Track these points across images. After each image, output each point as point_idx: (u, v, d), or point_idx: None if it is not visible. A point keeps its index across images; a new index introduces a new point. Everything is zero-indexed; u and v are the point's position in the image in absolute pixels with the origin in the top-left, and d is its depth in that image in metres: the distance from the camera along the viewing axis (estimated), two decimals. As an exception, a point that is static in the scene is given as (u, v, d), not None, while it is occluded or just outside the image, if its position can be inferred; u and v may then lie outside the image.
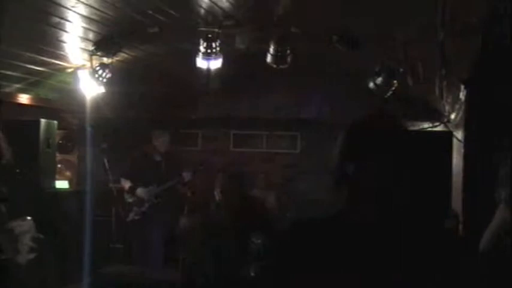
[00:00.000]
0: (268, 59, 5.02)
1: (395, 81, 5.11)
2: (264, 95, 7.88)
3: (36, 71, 5.32)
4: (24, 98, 5.79)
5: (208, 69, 5.32)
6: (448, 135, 4.18)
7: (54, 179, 5.99)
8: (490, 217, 2.64)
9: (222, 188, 5.69)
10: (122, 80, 5.95)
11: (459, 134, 4.33)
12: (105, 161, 6.17)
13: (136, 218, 6.03)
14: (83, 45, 5.12)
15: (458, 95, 4.06)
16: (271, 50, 4.93)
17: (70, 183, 6.72)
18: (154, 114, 7.67)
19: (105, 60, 5.40)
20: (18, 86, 5.50)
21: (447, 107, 5.25)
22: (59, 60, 5.32)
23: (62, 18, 4.35)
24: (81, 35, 4.87)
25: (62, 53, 5.15)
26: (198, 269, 4.73)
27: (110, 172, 6.20)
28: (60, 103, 6.27)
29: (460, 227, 3.63)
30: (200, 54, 4.97)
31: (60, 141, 6.48)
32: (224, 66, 5.29)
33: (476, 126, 3.54)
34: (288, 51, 4.92)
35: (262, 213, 4.98)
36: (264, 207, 5.04)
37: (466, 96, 3.60)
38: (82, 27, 4.67)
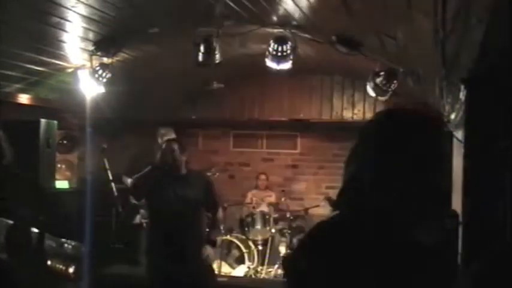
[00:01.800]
0: (268, 59, 5.02)
1: (395, 81, 5.11)
2: (264, 95, 7.89)
3: (36, 71, 5.32)
4: (24, 98, 5.79)
5: (208, 70, 5.31)
6: (448, 135, 4.18)
7: (54, 179, 5.98)
8: (490, 217, 2.63)
9: None
10: (122, 80, 5.95)
11: (459, 134, 4.33)
12: (105, 161, 6.16)
13: (144, 221, 5.97)
14: (83, 45, 5.11)
15: (458, 95, 4.06)
16: (271, 50, 4.92)
17: (70, 183, 6.71)
18: (154, 114, 7.68)
19: (105, 60, 5.40)
20: (18, 86, 5.50)
21: (447, 107, 5.24)
22: (59, 60, 5.31)
23: (62, 18, 4.35)
24: (81, 35, 4.87)
25: (62, 53, 5.15)
26: None
27: (110, 172, 6.20)
28: (60, 103, 6.27)
29: (460, 227, 3.63)
30: (200, 54, 4.97)
31: (60, 141, 6.47)
32: (224, 66, 5.29)
33: (476, 126, 3.54)
34: (288, 51, 4.91)
35: None
36: None
37: (466, 96, 3.60)
38: (82, 27, 4.67)
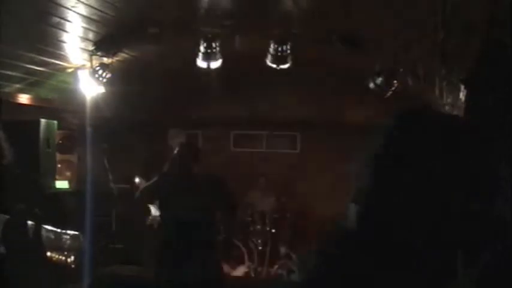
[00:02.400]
0: (268, 59, 5.02)
1: (395, 81, 5.11)
2: (264, 95, 7.89)
3: (36, 71, 5.32)
4: (24, 98, 5.79)
5: (208, 69, 5.32)
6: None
7: (54, 179, 5.98)
8: (490, 217, 2.63)
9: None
10: (122, 80, 5.95)
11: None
12: (105, 161, 6.17)
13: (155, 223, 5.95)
14: (83, 45, 5.12)
15: (458, 95, 4.06)
16: (271, 50, 4.93)
17: (70, 183, 6.71)
18: (154, 114, 7.68)
19: (105, 60, 5.41)
20: (18, 86, 5.50)
21: (447, 107, 5.25)
22: (59, 60, 5.31)
23: (62, 18, 4.35)
24: (81, 35, 4.87)
25: (62, 53, 5.15)
26: None
27: (110, 172, 6.21)
28: (60, 103, 6.27)
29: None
30: (200, 54, 4.97)
31: (60, 141, 6.47)
32: (224, 66, 5.29)
33: (476, 126, 3.54)
34: (288, 51, 4.92)
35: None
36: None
37: (466, 96, 3.60)
38: (82, 27, 4.67)
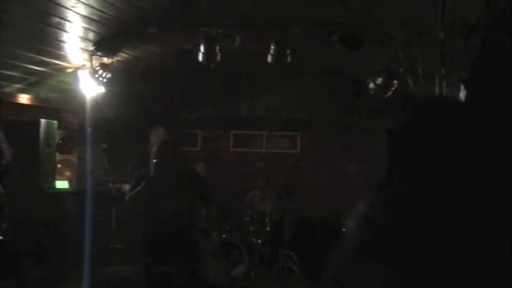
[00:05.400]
0: (268, 59, 5.02)
1: (395, 81, 5.11)
2: (264, 95, 7.89)
3: (36, 71, 5.32)
4: (24, 98, 5.79)
5: (208, 69, 5.32)
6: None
7: (54, 179, 5.98)
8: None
9: None
10: (122, 80, 5.95)
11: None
12: (105, 161, 6.17)
13: None
14: (83, 45, 5.12)
15: (458, 95, 4.06)
16: (271, 50, 4.92)
17: (70, 183, 6.71)
18: (154, 114, 7.68)
19: (105, 60, 5.41)
20: (18, 86, 5.50)
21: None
22: (59, 60, 5.32)
23: (62, 18, 4.35)
24: (81, 35, 4.88)
25: (62, 53, 5.15)
26: None
27: (110, 172, 6.21)
28: (60, 103, 6.27)
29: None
30: (200, 54, 4.97)
31: (60, 141, 6.47)
32: (224, 66, 5.29)
33: (476, 126, 3.54)
34: (288, 51, 4.92)
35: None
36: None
37: (466, 96, 3.61)
38: (82, 27, 4.68)
